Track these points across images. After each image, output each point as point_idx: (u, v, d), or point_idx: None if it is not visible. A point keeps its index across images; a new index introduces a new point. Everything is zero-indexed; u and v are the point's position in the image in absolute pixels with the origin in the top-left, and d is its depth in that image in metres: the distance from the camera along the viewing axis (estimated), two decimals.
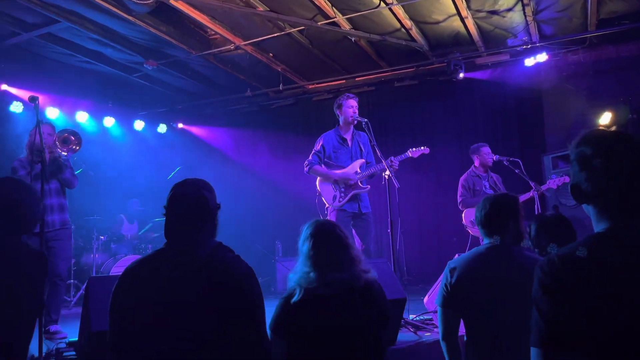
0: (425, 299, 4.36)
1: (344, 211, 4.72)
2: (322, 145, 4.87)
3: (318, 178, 4.87)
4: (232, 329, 1.81)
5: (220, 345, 1.79)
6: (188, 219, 1.94)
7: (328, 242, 2.19)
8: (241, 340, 1.83)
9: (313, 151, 4.91)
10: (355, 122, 4.82)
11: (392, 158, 4.61)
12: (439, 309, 2.32)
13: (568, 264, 1.24)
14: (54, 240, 4.38)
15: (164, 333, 1.77)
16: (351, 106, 4.82)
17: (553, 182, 5.43)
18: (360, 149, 4.92)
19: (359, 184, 4.75)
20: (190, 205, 1.95)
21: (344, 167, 4.82)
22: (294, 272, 2.21)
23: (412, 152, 4.86)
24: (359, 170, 4.79)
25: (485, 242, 2.38)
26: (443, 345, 2.33)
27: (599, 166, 1.29)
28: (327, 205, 4.81)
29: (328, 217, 4.71)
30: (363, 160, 4.87)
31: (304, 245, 2.23)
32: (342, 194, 4.72)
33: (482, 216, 2.37)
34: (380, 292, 2.23)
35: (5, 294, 2.02)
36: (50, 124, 4.58)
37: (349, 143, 4.91)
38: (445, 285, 2.29)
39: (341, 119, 4.90)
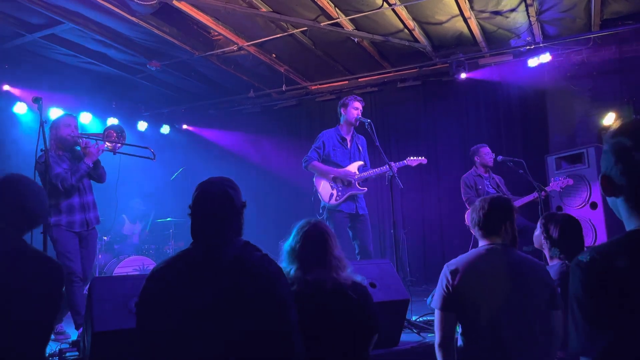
0: (429, 300, 4.35)
1: (341, 212, 4.69)
2: (323, 142, 4.86)
3: (315, 174, 4.84)
4: (262, 329, 1.78)
5: (251, 347, 1.76)
6: (214, 218, 1.91)
7: (313, 241, 2.21)
8: (272, 340, 1.80)
9: (312, 147, 4.89)
10: (358, 123, 4.81)
11: (392, 164, 4.60)
12: (437, 313, 2.27)
13: (612, 262, 1.17)
14: (87, 239, 4.34)
15: (193, 336, 1.74)
16: (356, 108, 4.81)
17: (556, 184, 5.41)
18: (359, 151, 4.91)
19: (357, 185, 4.73)
20: (215, 204, 1.92)
21: (342, 167, 4.80)
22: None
23: (411, 161, 4.85)
24: (357, 171, 4.77)
25: (482, 243, 2.36)
26: (440, 352, 2.25)
27: None
28: (323, 202, 4.76)
29: (324, 217, 4.69)
30: (362, 162, 4.86)
31: (290, 241, 2.27)
32: (340, 193, 4.68)
33: (480, 217, 2.36)
34: (366, 298, 2.22)
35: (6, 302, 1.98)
36: (74, 116, 4.47)
37: (349, 144, 4.90)
38: (447, 287, 2.24)
39: (343, 119, 4.90)
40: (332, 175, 4.71)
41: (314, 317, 2.06)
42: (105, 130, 4.44)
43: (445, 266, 2.31)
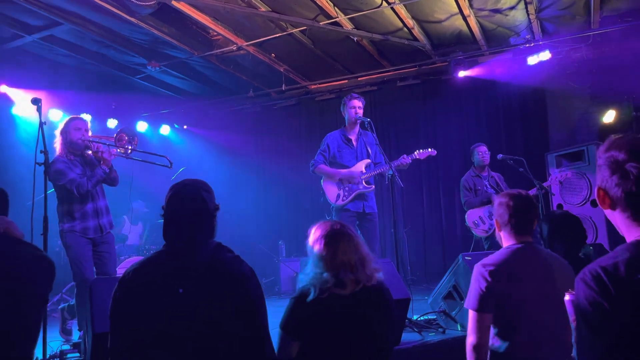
0: (430, 299, 4.35)
1: (348, 211, 4.69)
2: (327, 144, 4.87)
3: (322, 177, 4.85)
4: (233, 330, 1.80)
5: (222, 347, 1.78)
6: (187, 219, 1.92)
7: (339, 242, 2.16)
8: (243, 342, 1.82)
9: (318, 151, 4.90)
10: (359, 122, 4.81)
11: (405, 156, 4.60)
12: (473, 314, 2.20)
13: (614, 277, 1.17)
14: (103, 244, 4.20)
15: (164, 336, 1.76)
16: (353, 106, 4.80)
17: (554, 178, 5.40)
18: (367, 150, 4.88)
19: (364, 183, 4.72)
20: (188, 206, 1.93)
21: (348, 167, 4.79)
22: (305, 274, 2.18)
23: (420, 154, 4.80)
24: (364, 170, 4.75)
25: (511, 242, 2.32)
26: (475, 354, 2.18)
27: (634, 171, 1.25)
28: (331, 204, 4.78)
29: (333, 217, 4.70)
30: (369, 160, 4.84)
31: (314, 246, 2.22)
32: (346, 193, 4.70)
33: (513, 214, 2.31)
34: (388, 293, 2.22)
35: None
36: (83, 119, 4.33)
37: (354, 143, 4.89)
38: (485, 288, 2.18)
39: (346, 119, 4.91)
40: (338, 177, 4.73)
41: (352, 316, 2.05)
42: (116, 134, 4.34)
43: (480, 266, 2.25)
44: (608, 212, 1.35)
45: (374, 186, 4.79)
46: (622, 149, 1.28)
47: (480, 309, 2.19)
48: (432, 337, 3.56)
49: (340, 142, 4.87)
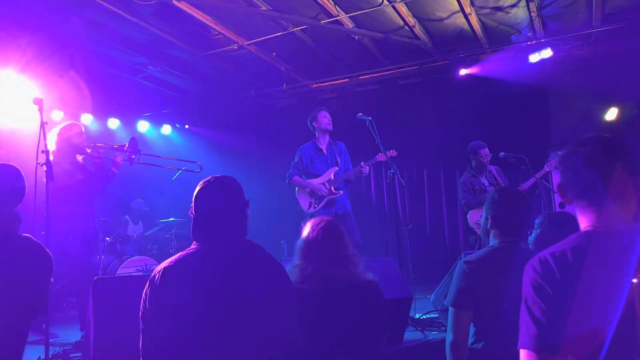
0: (432, 297, 4.34)
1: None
2: (300, 157, 5.36)
3: (296, 188, 5.32)
4: (270, 326, 1.78)
5: (259, 343, 1.76)
6: (216, 217, 1.86)
7: (330, 238, 2.21)
8: (278, 337, 1.80)
9: (292, 163, 5.37)
10: (331, 128, 5.27)
11: (362, 163, 4.99)
12: (452, 311, 2.20)
13: (560, 263, 1.24)
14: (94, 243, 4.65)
15: (202, 336, 1.72)
16: (325, 116, 5.31)
17: (551, 164, 5.37)
18: (337, 159, 5.27)
19: (332, 190, 5.11)
20: (217, 203, 1.87)
21: (321, 174, 5.21)
22: (292, 266, 2.21)
23: (380, 157, 5.07)
24: (332, 177, 5.16)
25: (496, 240, 2.31)
26: (453, 352, 2.18)
27: (578, 162, 1.42)
28: (305, 211, 5.19)
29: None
30: (336, 168, 5.21)
31: (305, 238, 2.25)
32: (317, 201, 5.15)
33: (503, 214, 2.30)
34: (378, 294, 2.22)
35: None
36: (79, 124, 4.55)
37: (325, 152, 5.29)
38: (465, 286, 2.18)
39: (317, 130, 5.33)
40: (309, 189, 5.19)
41: (329, 312, 2.06)
42: (125, 142, 4.64)
43: (461, 263, 2.25)
44: (570, 208, 1.46)
45: (341, 192, 5.16)
46: (577, 151, 1.44)
47: (458, 306, 2.19)
48: (434, 335, 3.56)
49: (312, 153, 5.33)
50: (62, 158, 4.18)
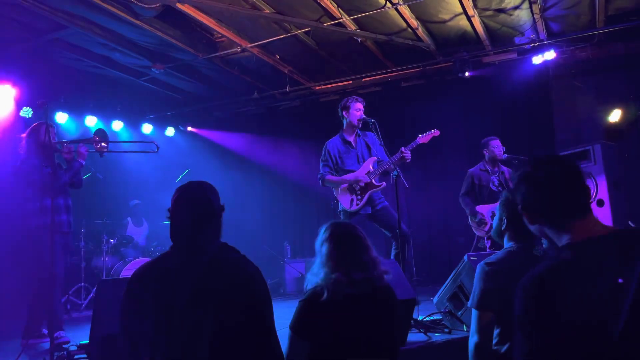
0: (435, 299, 4.34)
1: (358, 214, 4.69)
2: (328, 152, 4.87)
3: (333, 187, 4.84)
4: (240, 330, 1.81)
5: (229, 347, 1.79)
6: (192, 221, 1.95)
7: (349, 242, 2.19)
8: (250, 341, 1.83)
9: (321, 162, 4.88)
10: (361, 124, 4.82)
11: (403, 149, 4.56)
12: (476, 313, 2.20)
13: (550, 278, 1.28)
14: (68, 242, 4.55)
15: (172, 337, 1.78)
16: (358, 109, 4.82)
17: None
18: (368, 148, 4.87)
19: (373, 182, 4.70)
20: (193, 208, 1.97)
21: (352, 170, 4.78)
22: (313, 274, 2.18)
23: (422, 138, 4.82)
24: (371, 168, 4.74)
25: (511, 243, 2.32)
26: (477, 354, 2.17)
27: (542, 180, 1.44)
28: (342, 207, 4.76)
29: (342, 219, 4.69)
30: (374, 158, 4.81)
31: (323, 246, 2.21)
32: (359, 197, 4.68)
33: (519, 216, 2.29)
34: (394, 294, 2.23)
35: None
36: (51, 124, 4.65)
37: (354, 145, 4.88)
38: (487, 287, 2.19)
39: (345, 122, 4.90)
40: (347, 183, 4.71)
41: (364, 316, 2.06)
42: (95, 135, 4.74)
43: (483, 265, 2.25)
44: (534, 228, 1.49)
45: (384, 183, 4.74)
46: (539, 169, 1.45)
47: (481, 308, 2.20)
48: (438, 337, 3.56)
49: (341, 147, 4.87)
50: (30, 154, 4.36)
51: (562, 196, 1.39)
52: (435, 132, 4.84)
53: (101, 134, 4.73)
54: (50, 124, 4.56)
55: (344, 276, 2.07)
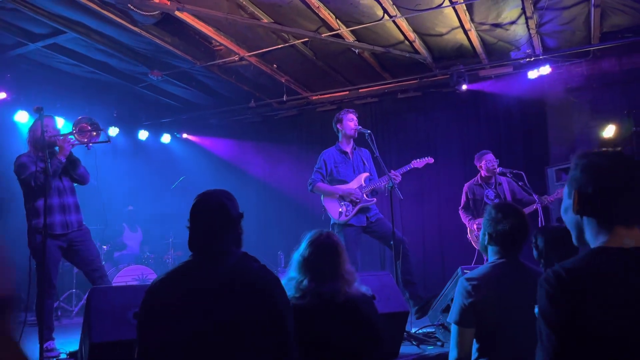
0: (429, 312, 4.33)
1: (352, 226, 4.69)
2: (324, 161, 4.89)
3: (322, 195, 4.86)
4: (259, 339, 1.79)
5: (250, 356, 1.77)
6: (210, 229, 1.93)
7: (326, 253, 2.19)
8: (270, 350, 1.81)
9: (315, 169, 4.91)
10: (357, 134, 4.85)
11: (393, 171, 4.60)
12: (455, 328, 2.19)
13: (575, 276, 1.26)
14: (78, 242, 4.19)
15: (193, 346, 1.75)
16: (352, 119, 4.88)
17: (558, 193, 5.37)
18: (363, 163, 4.92)
19: (365, 196, 4.73)
20: (212, 216, 1.95)
21: (347, 181, 4.81)
22: (288, 279, 2.20)
23: (416, 163, 4.86)
24: (363, 183, 4.78)
25: (495, 257, 2.32)
26: None
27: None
28: (333, 220, 4.78)
29: (334, 232, 4.67)
30: (367, 173, 4.87)
31: (302, 252, 2.24)
32: (349, 209, 4.69)
33: (500, 230, 2.29)
34: (371, 306, 2.22)
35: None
36: (52, 117, 4.33)
37: (350, 156, 4.92)
38: (467, 302, 2.17)
39: (341, 134, 4.95)
40: (338, 194, 4.73)
41: (325, 328, 2.05)
42: (76, 125, 4.29)
43: (463, 280, 2.24)
44: (573, 218, 1.42)
45: (375, 199, 4.80)
46: (606, 157, 1.39)
47: (461, 323, 2.18)
48: (430, 350, 3.55)
49: (337, 157, 4.90)
50: (32, 153, 4.16)
51: (627, 200, 1.33)
52: (429, 160, 4.92)
53: (89, 121, 4.30)
54: (48, 115, 4.24)
55: (311, 285, 2.08)
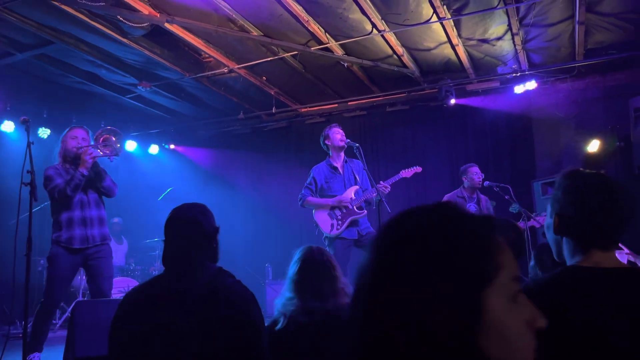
0: None
1: (344, 239, 4.69)
2: (313, 177, 4.90)
3: (313, 209, 4.85)
4: (234, 356, 1.77)
5: None
6: (182, 244, 1.92)
7: (313, 269, 2.15)
8: None
9: (305, 185, 4.91)
10: (346, 146, 4.86)
11: (382, 182, 4.63)
12: None
13: (542, 291, 1.29)
14: (95, 258, 4.08)
15: None
16: (337, 132, 4.91)
17: (538, 220, 5.32)
18: (355, 177, 4.92)
19: (355, 209, 4.74)
20: (185, 230, 1.93)
21: (338, 195, 4.81)
22: (280, 296, 2.18)
23: (405, 172, 4.89)
24: (353, 196, 4.78)
25: None
26: None
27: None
28: (325, 233, 4.76)
29: (326, 247, 4.67)
30: (357, 187, 4.87)
31: (290, 269, 2.22)
32: (339, 222, 4.70)
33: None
34: None
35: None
36: (83, 128, 4.33)
37: (341, 171, 4.92)
38: None
39: (330, 148, 4.96)
40: (329, 206, 4.74)
41: (317, 346, 2.03)
42: (100, 135, 4.27)
43: None
44: (554, 238, 1.45)
45: (365, 212, 4.81)
46: (585, 178, 1.40)
47: None
48: None
49: (327, 173, 4.90)
50: (59, 165, 4.16)
51: (606, 225, 1.34)
52: (417, 169, 4.95)
53: (112, 132, 4.28)
54: (81, 126, 4.29)
55: (300, 303, 2.05)
